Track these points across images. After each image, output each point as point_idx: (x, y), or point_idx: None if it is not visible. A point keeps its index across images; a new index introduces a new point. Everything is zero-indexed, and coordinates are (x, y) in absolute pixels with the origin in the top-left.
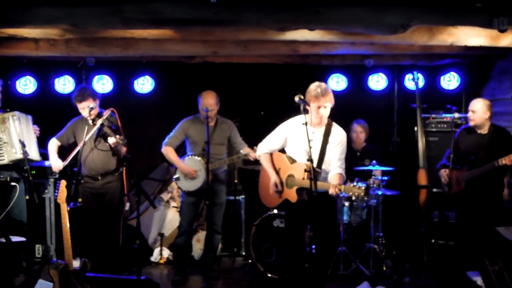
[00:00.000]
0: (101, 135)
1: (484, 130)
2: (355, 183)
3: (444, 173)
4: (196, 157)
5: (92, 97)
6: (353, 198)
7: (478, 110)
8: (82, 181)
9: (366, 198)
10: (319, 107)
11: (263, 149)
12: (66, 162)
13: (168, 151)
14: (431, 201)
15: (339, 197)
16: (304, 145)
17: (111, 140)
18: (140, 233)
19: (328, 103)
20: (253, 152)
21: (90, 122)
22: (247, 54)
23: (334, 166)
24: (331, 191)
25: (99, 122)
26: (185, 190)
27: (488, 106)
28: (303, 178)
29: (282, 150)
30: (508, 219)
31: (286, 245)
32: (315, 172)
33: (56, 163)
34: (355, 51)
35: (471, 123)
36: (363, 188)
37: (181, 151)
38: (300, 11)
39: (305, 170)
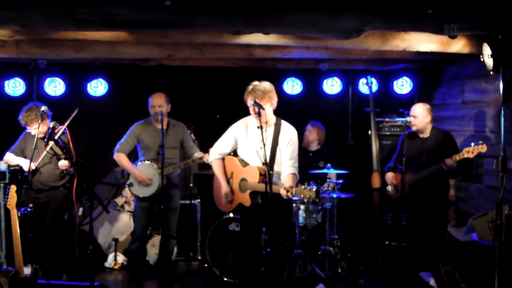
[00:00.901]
0: (52, 139)
1: (426, 134)
2: (306, 185)
3: (390, 176)
4: (149, 162)
5: (36, 120)
6: (305, 200)
7: (419, 115)
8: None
9: (317, 200)
10: (249, 107)
11: (215, 154)
12: (34, 165)
13: (120, 158)
14: (385, 203)
15: (292, 199)
16: (254, 147)
17: (62, 163)
18: (94, 238)
19: (262, 103)
20: (207, 155)
21: (40, 138)
22: (202, 57)
23: (286, 166)
24: (282, 193)
25: (51, 125)
26: (139, 196)
27: (429, 110)
28: (258, 182)
29: (235, 153)
30: (458, 220)
31: (242, 248)
32: (271, 176)
33: (26, 164)
34: (310, 55)
35: (414, 128)
36: (314, 190)
37: (133, 155)
38: (254, 15)
39: (260, 174)
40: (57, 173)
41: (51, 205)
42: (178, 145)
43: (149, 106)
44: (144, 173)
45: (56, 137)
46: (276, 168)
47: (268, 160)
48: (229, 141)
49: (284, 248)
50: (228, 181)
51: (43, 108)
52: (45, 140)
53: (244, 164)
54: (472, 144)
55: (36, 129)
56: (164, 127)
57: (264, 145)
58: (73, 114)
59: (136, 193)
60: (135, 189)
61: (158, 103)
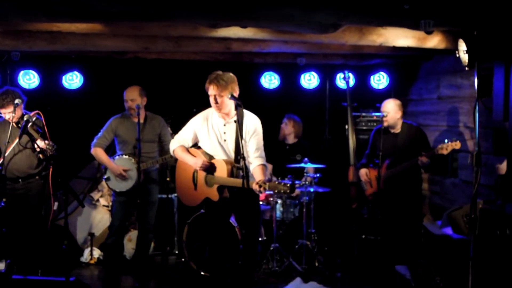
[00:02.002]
0: (26, 132)
1: (397, 129)
2: (279, 180)
3: (363, 172)
4: (127, 156)
5: (12, 103)
6: (278, 195)
7: (390, 111)
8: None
9: (293, 195)
10: (210, 96)
11: (175, 145)
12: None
13: (97, 152)
14: (361, 197)
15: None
16: (218, 140)
17: (40, 143)
18: (69, 233)
19: (222, 93)
20: None
21: (14, 124)
22: (179, 51)
23: (253, 157)
24: (255, 188)
25: (25, 118)
26: (117, 190)
27: (399, 105)
28: (227, 176)
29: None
30: (433, 214)
31: (209, 242)
32: (238, 169)
33: None
34: (287, 49)
35: (385, 124)
36: (288, 185)
37: (110, 150)
38: (231, 8)
39: (238, 168)
40: (34, 159)
41: (28, 197)
42: (156, 139)
43: (124, 100)
44: (122, 167)
45: (29, 125)
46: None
47: (228, 152)
48: (189, 134)
49: (257, 241)
50: (193, 175)
51: (17, 94)
52: (20, 132)
53: (209, 158)
54: (446, 140)
55: (11, 113)
56: (141, 120)
57: (241, 139)
58: (35, 112)
59: (113, 188)
60: (113, 183)
61: (131, 97)
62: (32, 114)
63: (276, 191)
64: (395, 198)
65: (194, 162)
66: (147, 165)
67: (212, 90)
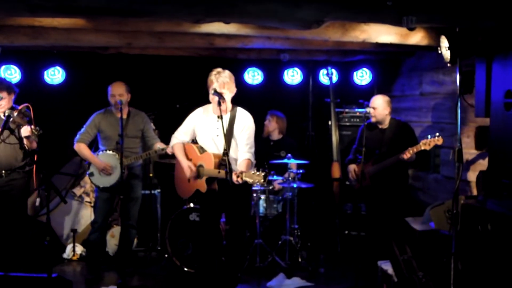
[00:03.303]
0: (7, 128)
1: (385, 125)
2: (255, 170)
3: (352, 168)
4: (110, 152)
5: (7, 91)
6: (254, 185)
7: (379, 107)
8: None
9: (276, 189)
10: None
11: (175, 140)
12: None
13: (81, 148)
14: (344, 193)
15: (252, 188)
16: (211, 134)
17: (25, 129)
18: (51, 229)
19: (223, 90)
20: (169, 147)
21: (1, 115)
22: (162, 46)
23: (241, 151)
24: (234, 179)
25: (7, 113)
26: (100, 186)
27: (388, 102)
28: (214, 168)
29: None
30: (416, 210)
31: (200, 236)
32: (225, 162)
33: None
34: (271, 45)
35: (373, 119)
36: (262, 175)
37: (93, 146)
38: (214, 3)
39: (216, 160)
40: (19, 152)
41: (12, 193)
42: (139, 135)
43: (108, 95)
44: (106, 163)
45: (15, 115)
46: (232, 155)
47: (219, 146)
48: (188, 129)
49: (243, 238)
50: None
51: (10, 86)
52: (1, 127)
53: (202, 151)
54: (429, 136)
55: (4, 99)
56: (124, 116)
57: (225, 134)
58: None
59: (97, 183)
60: (96, 179)
61: (119, 92)
62: (21, 107)
63: (251, 181)
64: (380, 193)
65: (185, 167)
66: (130, 160)
67: (220, 88)
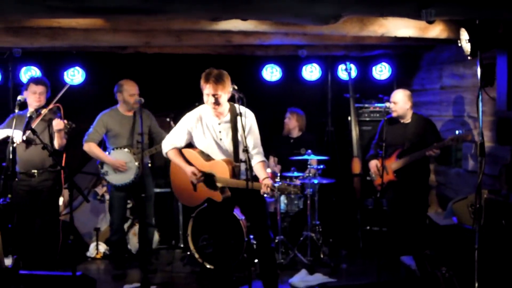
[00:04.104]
0: (29, 128)
1: (407, 120)
2: (288, 181)
3: (373, 164)
4: (123, 149)
5: (46, 87)
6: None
7: (399, 101)
8: (16, 178)
9: (302, 194)
10: (207, 95)
11: (168, 146)
12: (26, 134)
13: (91, 147)
14: (365, 188)
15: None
16: (214, 139)
17: (58, 122)
18: (74, 228)
19: (218, 92)
20: None
21: (33, 111)
22: (180, 45)
23: (252, 154)
24: (264, 190)
25: (28, 114)
26: (116, 185)
27: (409, 96)
28: (230, 177)
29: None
30: (439, 205)
31: (213, 236)
32: (239, 168)
33: (18, 135)
34: (288, 41)
35: (394, 114)
36: (299, 186)
37: (101, 147)
38: (231, 1)
39: (234, 170)
40: (46, 153)
41: (45, 192)
42: (147, 131)
43: (124, 94)
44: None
45: (42, 116)
46: (242, 157)
47: (227, 150)
48: (182, 134)
49: (268, 230)
50: None
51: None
52: (23, 128)
53: (207, 157)
54: (457, 132)
55: (42, 94)
56: (131, 114)
57: (245, 137)
58: (64, 89)
59: (113, 182)
60: (111, 177)
61: (137, 91)
62: (51, 106)
63: (287, 192)
64: (403, 189)
65: (189, 174)
66: (146, 154)
67: (214, 90)
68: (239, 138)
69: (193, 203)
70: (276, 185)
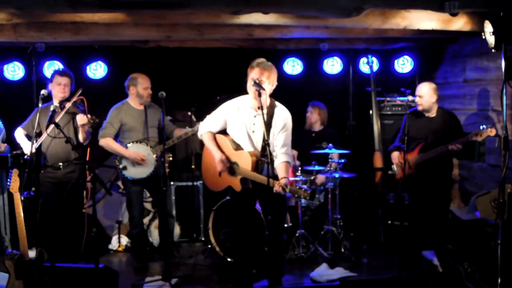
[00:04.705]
0: (53, 122)
1: (432, 114)
2: (301, 185)
3: (396, 155)
4: (139, 142)
5: (71, 79)
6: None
7: (425, 95)
8: (42, 171)
9: (318, 182)
10: (252, 79)
11: (204, 129)
12: (36, 145)
13: (108, 141)
14: (387, 183)
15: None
16: (246, 129)
17: (81, 117)
18: (97, 221)
19: (263, 78)
20: (192, 130)
21: (57, 104)
22: (201, 38)
23: (279, 153)
24: (276, 188)
25: (52, 108)
26: (135, 178)
27: (434, 89)
28: (251, 170)
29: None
30: (461, 199)
31: (233, 229)
32: (263, 163)
33: (27, 148)
34: (310, 35)
35: (419, 108)
36: (309, 192)
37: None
38: None
39: (253, 162)
40: (70, 147)
41: (69, 185)
42: (157, 124)
43: (138, 87)
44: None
45: (66, 109)
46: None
47: (255, 143)
48: (218, 120)
49: (282, 230)
50: None
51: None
52: (47, 122)
53: (236, 146)
54: (481, 127)
55: (66, 85)
56: (142, 107)
57: (268, 134)
58: (78, 93)
59: (132, 176)
60: (130, 171)
61: (150, 84)
62: (75, 99)
63: (296, 195)
64: (425, 183)
65: (217, 160)
66: (162, 148)
67: (260, 74)
68: (271, 133)
69: (215, 188)
70: (288, 187)
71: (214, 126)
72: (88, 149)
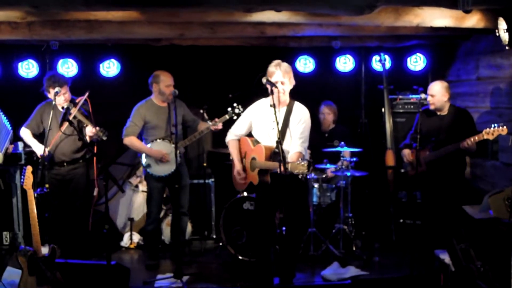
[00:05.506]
0: (66, 119)
1: (444, 112)
2: (300, 160)
3: (406, 152)
4: (162, 140)
5: (66, 84)
6: (300, 176)
7: (437, 94)
8: (49, 168)
9: (307, 172)
10: (276, 82)
11: (231, 135)
12: (53, 147)
13: (132, 140)
14: (399, 181)
15: (308, 178)
16: (267, 127)
17: (90, 130)
18: (109, 218)
19: (285, 79)
20: (214, 123)
21: (60, 108)
22: (214, 37)
23: (294, 144)
24: (279, 170)
25: (65, 105)
26: (159, 176)
27: (446, 88)
28: (265, 160)
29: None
30: (474, 198)
31: (255, 227)
32: (277, 154)
33: (39, 149)
34: (322, 32)
35: (431, 107)
36: (305, 164)
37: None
38: None
39: (267, 152)
40: (78, 143)
41: (74, 181)
42: (181, 121)
43: (161, 85)
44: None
45: (75, 111)
46: (285, 147)
47: (273, 138)
48: (244, 124)
49: (299, 227)
50: (241, 160)
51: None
52: (59, 120)
53: (255, 143)
54: (493, 125)
55: (65, 94)
56: (166, 105)
57: (277, 123)
58: (85, 96)
59: (156, 173)
60: (154, 169)
61: (173, 82)
62: (80, 99)
63: (296, 171)
64: (438, 181)
65: (234, 172)
66: (184, 144)
67: (277, 75)
68: (287, 130)
69: (240, 187)
70: (289, 163)
71: (240, 130)
72: (95, 147)
